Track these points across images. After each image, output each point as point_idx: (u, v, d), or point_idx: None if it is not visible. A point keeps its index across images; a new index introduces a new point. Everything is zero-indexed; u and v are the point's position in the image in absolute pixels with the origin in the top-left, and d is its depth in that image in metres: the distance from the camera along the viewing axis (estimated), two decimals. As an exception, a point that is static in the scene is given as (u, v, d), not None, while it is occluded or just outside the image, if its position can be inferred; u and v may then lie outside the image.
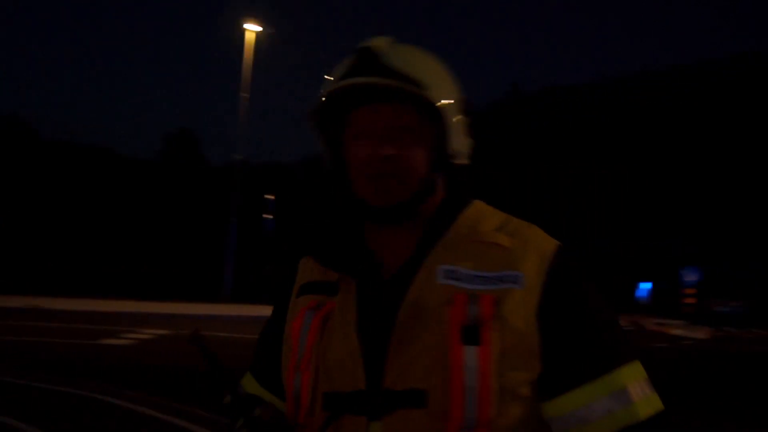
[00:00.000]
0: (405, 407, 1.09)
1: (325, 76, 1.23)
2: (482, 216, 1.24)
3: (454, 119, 1.21)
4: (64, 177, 47.12)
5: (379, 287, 1.18)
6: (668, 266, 36.89)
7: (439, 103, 1.18)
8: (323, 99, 1.20)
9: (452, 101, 1.20)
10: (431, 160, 1.20)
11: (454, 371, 1.07)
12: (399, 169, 1.16)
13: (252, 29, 32.21)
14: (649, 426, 1.11)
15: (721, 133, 45.32)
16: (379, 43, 1.20)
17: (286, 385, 1.21)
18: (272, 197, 40.11)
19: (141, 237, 46.33)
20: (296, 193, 43.46)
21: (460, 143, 1.23)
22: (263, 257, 38.42)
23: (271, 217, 39.93)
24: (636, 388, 1.13)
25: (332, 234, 1.27)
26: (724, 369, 13.09)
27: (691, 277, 29.26)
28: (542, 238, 1.21)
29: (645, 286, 38.63)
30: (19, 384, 8.36)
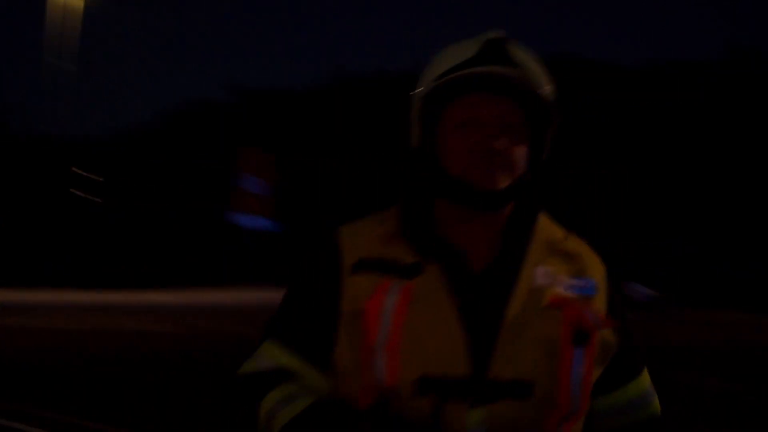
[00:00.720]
0: (511, 397, 1.16)
1: (439, 58, 1.26)
2: (550, 223, 1.34)
3: (553, 126, 1.26)
4: None
5: (473, 277, 1.23)
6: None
7: (553, 109, 1.23)
8: (444, 81, 1.21)
9: (558, 110, 1.24)
10: (528, 161, 1.25)
11: (563, 369, 1.19)
12: (507, 163, 1.21)
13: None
14: (660, 419, 1.37)
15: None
16: (503, 35, 1.23)
17: (357, 365, 1.18)
18: (87, 174, 38.45)
19: None
20: (111, 170, 40.87)
21: (548, 150, 1.29)
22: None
23: (81, 194, 37.61)
24: (651, 387, 1.38)
25: (411, 216, 1.28)
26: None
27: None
28: (592, 251, 1.34)
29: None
30: None
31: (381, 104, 56.41)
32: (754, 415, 8.06)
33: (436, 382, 1.14)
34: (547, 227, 1.32)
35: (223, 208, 38.65)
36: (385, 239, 1.25)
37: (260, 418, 1.20)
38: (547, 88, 1.24)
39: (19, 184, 39.63)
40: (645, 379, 1.37)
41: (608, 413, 1.32)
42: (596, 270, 1.31)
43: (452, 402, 1.14)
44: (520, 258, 1.25)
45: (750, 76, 47.89)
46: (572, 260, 1.29)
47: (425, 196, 1.29)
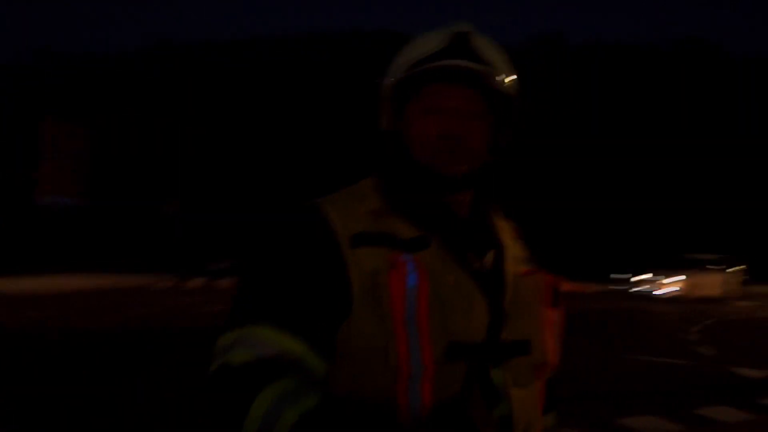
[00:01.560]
0: (518, 355, 1.26)
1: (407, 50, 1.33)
2: (493, 205, 1.43)
3: (514, 117, 1.36)
4: None
5: (474, 249, 1.30)
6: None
7: (514, 99, 1.32)
8: (415, 72, 1.27)
9: (519, 100, 1.33)
10: (487, 148, 1.32)
11: (548, 327, 1.33)
12: (469, 150, 1.28)
13: None
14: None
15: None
16: (469, 28, 1.29)
17: (382, 340, 1.16)
18: None
19: None
20: None
21: (508, 140, 1.37)
22: None
23: None
24: None
25: (405, 192, 1.31)
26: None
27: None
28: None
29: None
30: None
31: (200, 72, 54.34)
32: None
33: (463, 349, 1.19)
34: (494, 208, 1.43)
35: (28, 185, 35.49)
36: (376, 215, 1.26)
37: (253, 416, 1.06)
38: (509, 81, 1.31)
39: None
40: None
41: None
42: (523, 247, 1.45)
43: (480, 365, 1.21)
44: (496, 233, 1.37)
45: (549, 60, 51.50)
46: (516, 237, 1.43)
47: (407, 175, 1.32)
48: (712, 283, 24.09)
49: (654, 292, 24.33)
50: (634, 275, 26.07)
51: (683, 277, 23.82)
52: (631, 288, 26.07)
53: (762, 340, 13.14)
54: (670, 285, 23.97)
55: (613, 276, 26.32)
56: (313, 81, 49.35)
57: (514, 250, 1.38)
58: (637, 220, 42.81)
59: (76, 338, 11.79)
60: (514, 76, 1.32)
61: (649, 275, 25.21)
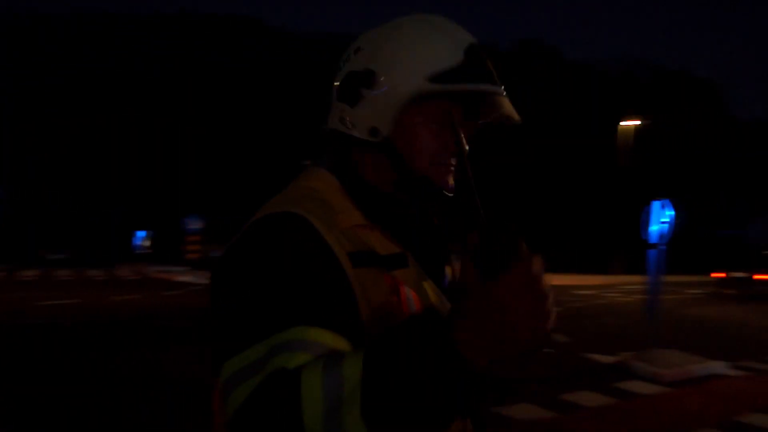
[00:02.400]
0: None
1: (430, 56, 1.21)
2: None
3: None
4: None
5: (437, 265, 1.31)
6: (170, 214, 37.23)
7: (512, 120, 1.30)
8: (444, 89, 1.19)
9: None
10: None
11: None
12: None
13: None
14: None
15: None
16: (475, 40, 1.25)
17: None
18: None
19: None
20: None
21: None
22: None
23: None
24: None
25: (385, 207, 1.27)
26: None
27: (194, 225, 29.62)
28: None
29: (141, 234, 39.73)
30: None
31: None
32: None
33: None
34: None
35: None
36: (359, 230, 1.19)
37: (308, 398, 0.92)
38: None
39: None
40: None
41: None
42: None
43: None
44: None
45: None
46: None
47: (404, 185, 1.26)
48: None
49: None
50: None
51: None
52: None
53: (605, 326, 13.96)
54: None
55: None
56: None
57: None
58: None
59: None
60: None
61: None
